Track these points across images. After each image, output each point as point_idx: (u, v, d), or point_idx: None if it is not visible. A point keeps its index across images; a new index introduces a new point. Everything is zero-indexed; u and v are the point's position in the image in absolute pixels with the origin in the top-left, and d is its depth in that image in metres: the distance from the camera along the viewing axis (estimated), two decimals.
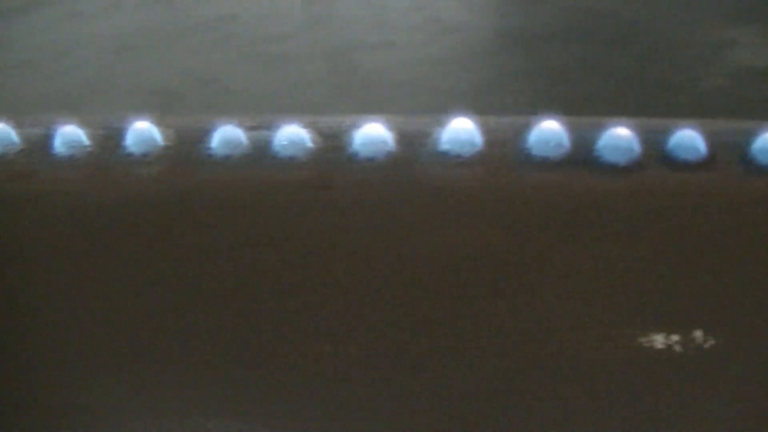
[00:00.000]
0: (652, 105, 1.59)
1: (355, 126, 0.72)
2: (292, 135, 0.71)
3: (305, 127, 0.72)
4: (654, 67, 1.73)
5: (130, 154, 0.73)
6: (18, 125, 0.74)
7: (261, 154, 0.71)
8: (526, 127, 0.74)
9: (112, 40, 2.08)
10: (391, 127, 0.72)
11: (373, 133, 0.72)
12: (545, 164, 0.73)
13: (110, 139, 0.73)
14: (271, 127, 0.72)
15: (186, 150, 0.72)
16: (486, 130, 0.73)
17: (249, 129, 0.72)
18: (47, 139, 0.74)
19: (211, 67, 1.95)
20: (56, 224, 0.73)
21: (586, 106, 1.60)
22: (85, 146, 0.73)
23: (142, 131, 0.72)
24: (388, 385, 0.73)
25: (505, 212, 0.73)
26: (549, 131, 0.74)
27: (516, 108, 1.62)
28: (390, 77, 1.87)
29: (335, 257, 0.71)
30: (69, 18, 2.16)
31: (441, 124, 0.73)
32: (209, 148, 0.72)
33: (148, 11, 2.20)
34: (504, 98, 1.72)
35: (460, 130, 0.73)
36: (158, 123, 0.73)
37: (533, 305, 0.74)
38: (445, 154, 0.72)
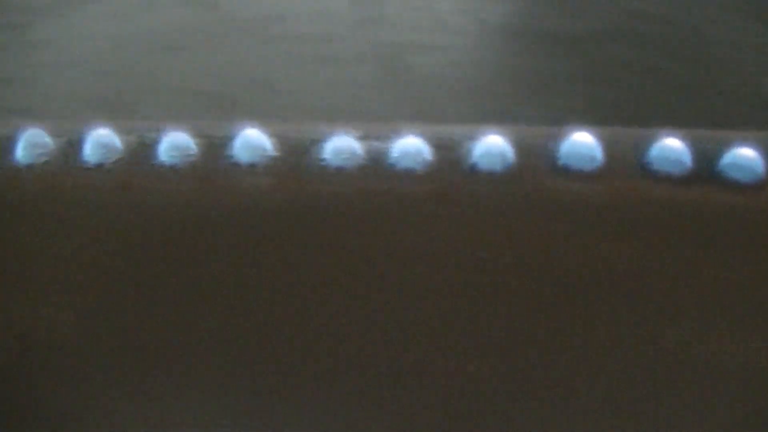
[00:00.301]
0: (714, 113, 1.55)
1: (474, 137, 0.69)
2: (410, 146, 0.68)
3: (422, 137, 0.69)
4: (712, 74, 1.70)
5: (236, 164, 0.70)
6: (122, 131, 0.71)
7: (377, 165, 0.68)
8: (647, 142, 0.71)
9: (155, 41, 2.04)
10: (509, 138, 0.70)
11: (492, 145, 0.69)
12: (667, 180, 0.70)
13: (215, 147, 0.70)
14: (386, 137, 0.69)
15: (297, 160, 0.69)
16: (606, 144, 0.71)
17: (363, 139, 0.69)
18: (149, 146, 0.71)
19: (261, 69, 1.91)
20: (157, 237, 0.70)
21: (645, 113, 1.57)
22: (189, 154, 0.70)
23: (251, 139, 0.69)
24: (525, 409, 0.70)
25: (628, 228, 0.70)
26: (670, 147, 0.71)
27: (577, 114, 1.59)
28: (444, 80, 1.84)
29: (455, 271, 0.68)
30: (109, 17, 2.13)
31: (560, 136, 0.70)
32: (322, 159, 0.69)
33: (189, 11, 2.16)
34: (563, 104, 1.68)
35: (581, 144, 0.70)
36: (267, 131, 0.69)
37: (654, 320, 0.71)
38: (565, 168, 0.70)
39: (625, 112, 1.64)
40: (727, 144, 0.71)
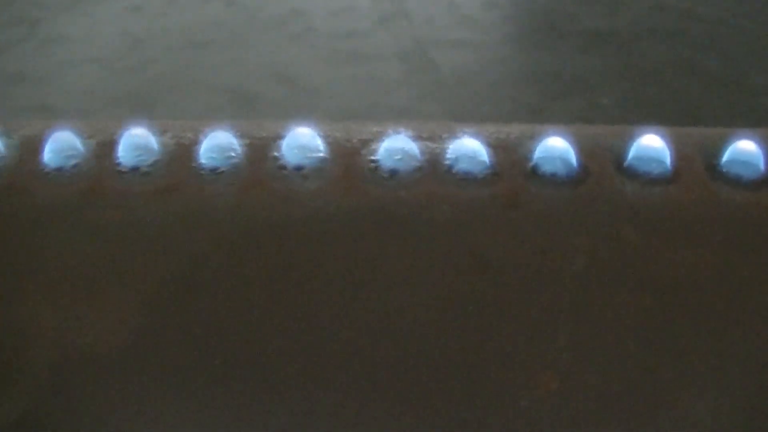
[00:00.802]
0: (749, 111, 1.51)
1: (535, 138, 0.65)
2: (467, 148, 0.64)
3: (480, 138, 0.64)
4: (750, 72, 1.65)
5: (283, 167, 0.65)
6: (158, 131, 0.66)
7: (433, 167, 0.64)
8: (718, 144, 0.67)
9: (177, 37, 2.00)
10: (573, 139, 0.65)
11: (555, 147, 0.64)
12: (739, 183, 0.66)
13: (261, 148, 0.66)
14: (442, 138, 0.65)
15: (348, 162, 0.64)
16: (675, 146, 0.66)
17: (419, 140, 0.65)
18: (189, 148, 0.66)
19: (285, 65, 1.88)
20: (198, 245, 0.66)
21: (680, 108, 1.53)
22: (233, 157, 0.66)
23: (299, 140, 0.65)
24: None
25: (699, 232, 0.66)
26: (743, 150, 0.67)
27: (609, 111, 1.55)
28: (470, 77, 1.80)
29: (523, 279, 0.63)
30: (130, 13, 2.09)
31: (627, 137, 0.66)
32: (374, 161, 0.64)
33: (210, 7, 2.13)
34: (594, 101, 1.64)
35: (649, 145, 0.66)
36: (316, 131, 0.65)
37: (723, 326, 0.67)
38: (633, 170, 0.65)
39: (661, 110, 1.60)
40: None
